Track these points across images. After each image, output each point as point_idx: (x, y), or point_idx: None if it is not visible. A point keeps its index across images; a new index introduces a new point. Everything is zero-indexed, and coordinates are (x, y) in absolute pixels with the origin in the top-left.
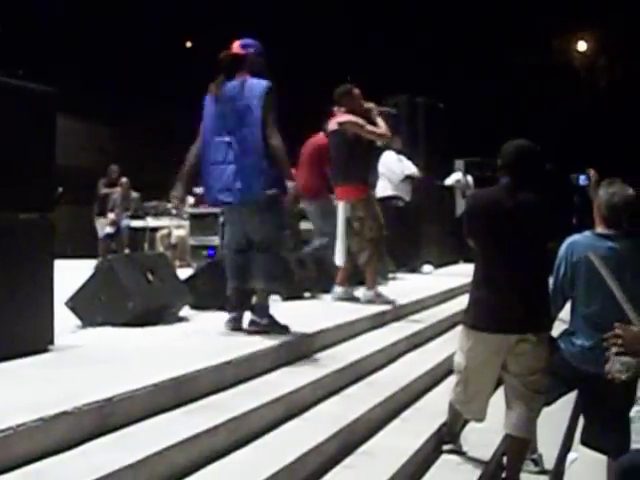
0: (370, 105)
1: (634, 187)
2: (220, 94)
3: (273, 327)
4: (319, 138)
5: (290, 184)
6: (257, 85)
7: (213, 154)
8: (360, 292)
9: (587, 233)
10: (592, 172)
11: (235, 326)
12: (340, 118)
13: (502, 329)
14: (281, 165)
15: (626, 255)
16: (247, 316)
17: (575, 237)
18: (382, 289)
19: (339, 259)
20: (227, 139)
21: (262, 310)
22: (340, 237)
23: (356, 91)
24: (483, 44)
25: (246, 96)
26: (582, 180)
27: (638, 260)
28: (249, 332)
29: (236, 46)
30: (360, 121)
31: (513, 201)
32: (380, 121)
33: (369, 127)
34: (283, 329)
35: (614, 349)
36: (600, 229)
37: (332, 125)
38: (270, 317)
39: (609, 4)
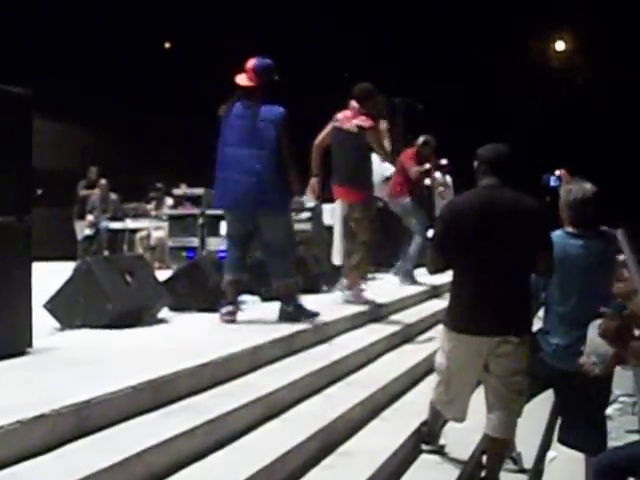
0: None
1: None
2: (231, 114)
3: (301, 314)
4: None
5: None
6: (272, 110)
7: (231, 164)
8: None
9: (559, 232)
10: (563, 172)
11: (232, 319)
12: (361, 122)
13: (482, 331)
14: (291, 178)
15: (596, 254)
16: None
17: None
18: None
19: (337, 258)
20: (246, 153)
21: (288, 299)
22: (338, 236)
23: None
24: (460, 44)
25: (261, 120)
26: (552, 181)
27: (607, 259)
28: (280, 318)
29: (250, 69)
30: (382, 133)
31: (498, 201)
32: (387, 141)
33: (385, 144)
34: (312, 316)
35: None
36: (570, 228)
37: (348, 124)
38: (298, 305)
39: (586, 4)
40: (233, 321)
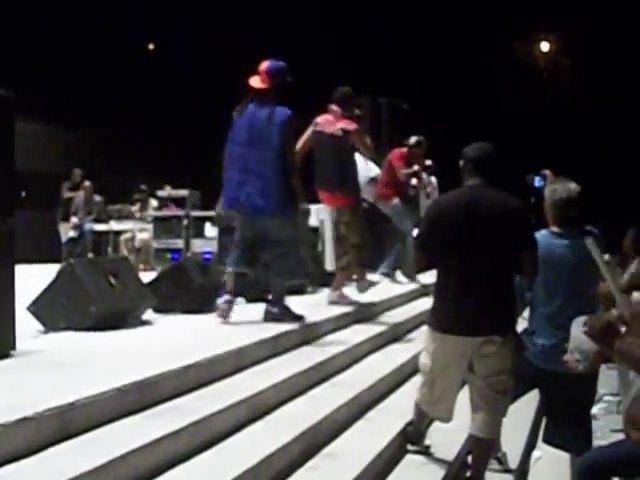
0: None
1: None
2: (245, 115)
3: (285, 316)
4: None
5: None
6: (281, 113)
7: (237, 163)
8: (327, 292)
9: (544, 232)
10: (548, 173)
11: (228, 307)
12: (346, 124)
13: (467, 331)
14: (292, 180)
15: (581, 254)
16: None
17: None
18: (346, 290)
19: (329, 264)
20: (252, 153)
21: (275, 301)
22: (329, 242)
23: (356, 98)
24: (446, 45)
25: (271, 123)
26: (537, 181)
27: (593, 259)
28: (265, 319)
29: (263, 71)
30: (364, 136)
31: (482, 201)
32: (368, 137)
33: (368, 143)
34: (296, 318)
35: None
36: (555, 228)
37: (332, 127)
38: (284, 307)
39: (571, 5)
40: (229, 310)
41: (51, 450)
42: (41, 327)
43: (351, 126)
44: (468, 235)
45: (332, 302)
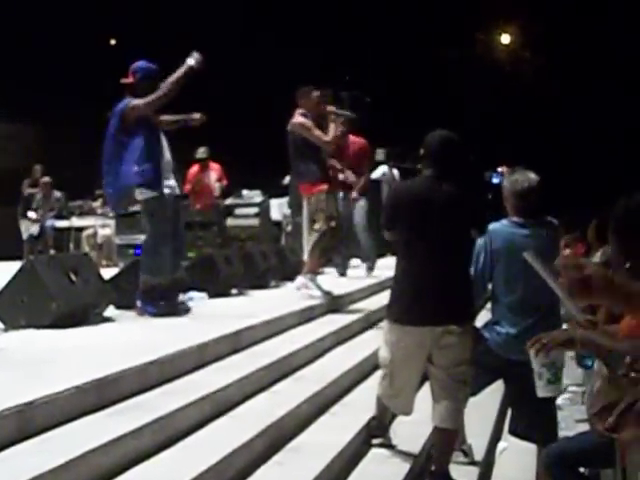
0: (331, 109)
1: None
2: None
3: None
4: None
5: None
6: (120, 105)
7: None
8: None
9: (504, 221)
10: (505, 169)
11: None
12: (294, 120)
13: (426, 322)
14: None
15: (541, 243)
16: None
17: (493, 225)
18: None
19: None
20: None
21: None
22: (306, 231)
23: (315, 93)
24: (408, 37)
25: (113, 116)
26: (494, 177)
27: (552, 248)
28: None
29: (130, 70)
30: (308, 124)
31: (437, 193)
32: (332, 128)
33: (316, 132)
34: (159, 314)
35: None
36: (515, 218)
37: (288, 126)
38: (148, 303)
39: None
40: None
41: (10, 450)
42: (1, 325)
43: (296, 120)
44: (424, 226)
45: (297, 288)
